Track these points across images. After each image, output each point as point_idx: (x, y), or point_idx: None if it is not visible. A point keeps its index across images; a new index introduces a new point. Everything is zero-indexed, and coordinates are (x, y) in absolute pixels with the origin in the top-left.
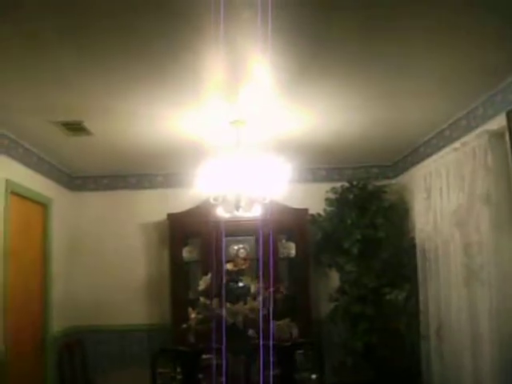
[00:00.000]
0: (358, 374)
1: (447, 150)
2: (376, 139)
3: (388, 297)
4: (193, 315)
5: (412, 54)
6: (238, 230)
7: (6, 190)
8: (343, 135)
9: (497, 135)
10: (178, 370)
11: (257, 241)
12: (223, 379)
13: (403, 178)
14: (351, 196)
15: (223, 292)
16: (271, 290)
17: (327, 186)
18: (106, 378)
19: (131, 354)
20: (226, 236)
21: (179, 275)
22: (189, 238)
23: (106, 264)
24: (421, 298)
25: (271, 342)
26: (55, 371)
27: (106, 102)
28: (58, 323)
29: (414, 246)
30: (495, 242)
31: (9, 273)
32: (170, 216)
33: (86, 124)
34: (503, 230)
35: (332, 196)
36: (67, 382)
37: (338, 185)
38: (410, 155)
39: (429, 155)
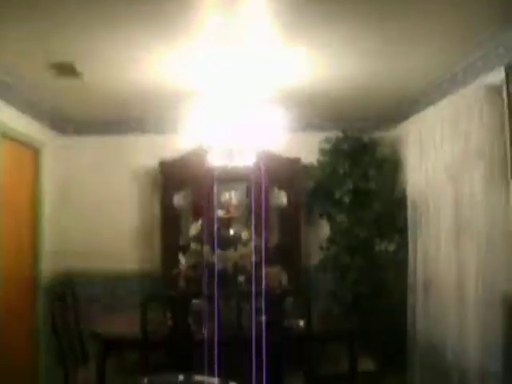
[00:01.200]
0: (345, 323)
1: (443, 103)
2: (372, 90)
3: (378, 248)
4: (183, 261)
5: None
6: (230, 178)
7: None
8: (339, 86)
9: (494, 90)
10: (169, 315)
11: (249, 189)
12: (213, 324)
13: (398, 131)
14: (345, 146)
15: (214, 238)
16: (262, 237)
17: (321, 135)
18: (98, 324)
19: (122, 299)
20: (218, 183)
21: (170, 222)
22: (180, 185)
23: (98, 209)
24: (410, 250)
25: (261, 289)
26: (47, 313)
27: (98, 45)
28: (49, 268)
29: (405, 199)
30: (487, 197)
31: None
32: (162, 162)
33: (78, 66)
34: (495, 186)
35: (326, 146)
36: (58, 324)
37: (332, 135)
38: (405, 108)
39: (424, 108)
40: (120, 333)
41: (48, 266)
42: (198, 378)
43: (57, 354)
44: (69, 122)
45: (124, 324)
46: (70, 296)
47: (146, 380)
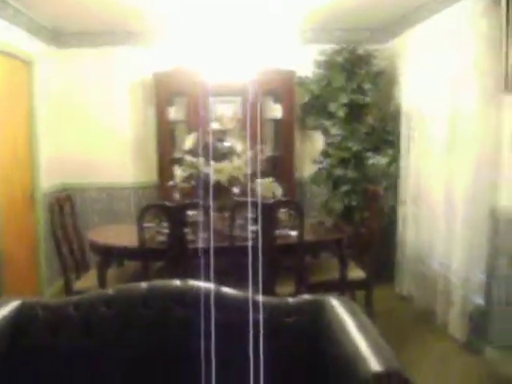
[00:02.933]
0: (335, 233)
1: (442, 15)
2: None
3: (370, 161)
4: (178, 173)
5: None
6: (224, 91)
7: None
8: None
9: (493, 2)
10: (165, 224)
11: (243, 102)
12: (208, 233)
13: (395, 43)
14: (340, 59)
15: (209, 150)
16: (256, 149)
17: (316, 47)
18: (97, 233)
19: (119, 211)
20: (213, 96)
21: (165, 134)
22: (175, 98)
23: (93, 123)
24: (402, 164)
25: (255, 200)
26: (46, 225)
27: None
28: (46, 182)
29: (399, 113)
30: (482, 109)
31: None
32: (156, 74)
33: None
34: (490, 101)
35: (321, 58)
36: (58, 234)
37: (326, 47)
38: (403, 18)
39: (422, 20)
40: (119, 243)
41: (45, 181)
42: (193, 283)
43: (57, 263)
44: (61, 34)
45: (123, 234)
46: (68, 206)
47: (145, 284)
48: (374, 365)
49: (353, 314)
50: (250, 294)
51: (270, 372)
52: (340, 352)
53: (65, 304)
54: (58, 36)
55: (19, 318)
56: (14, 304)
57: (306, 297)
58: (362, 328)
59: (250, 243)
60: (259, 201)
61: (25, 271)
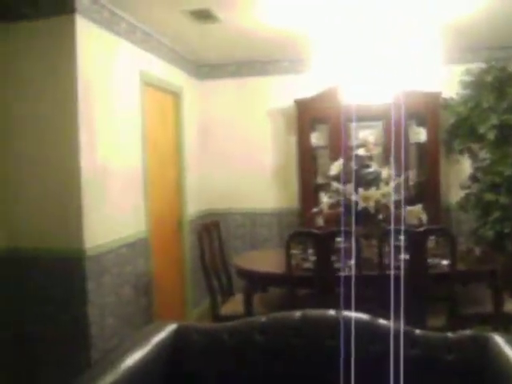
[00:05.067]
0: (487, 263)
1: None
2: None
3: None
4: (325, 199)
5: None
6: (365, 115)
7: (141, 81)
8: (481, 10)
9: None
10: (310, 251)
11: (385, 126)
12: (356, 261)
13: None
14: (489, 78)
15: (354, 177)
16: (403, 175)
17: (461, 67)
18: (242, 257)
19: (261, 236)
20: (355, 121)
21: (307, 161)
22: (316, 124)
23: (236, 150)
24: None
25: (403, 227)
26: (193, 249)
27: None
28: (192, 207)
29: None
30: None
31: (147, 161)
32: (298, 102)
33: (214, 11)
34: None
35: (467, 78)
36: (206, 259)
37: (473, 66)
38: None
39: None
40: (265, 269)
41: (192, 206)
42: (347, 313)
43: (202, 287)
44: (204, 66)
45: (268, 260)
46: (215, 232)
47: (299, 313)
48: None
49: None
50: (401, 326)
51: None
52: None
53: (219, 330)
54: (201, 68)
55: (176, 342)
56: (170, 328)
57: (467, 332)
58: None
59: (398, 272)
60: (407, 228)
61: (172, 294)
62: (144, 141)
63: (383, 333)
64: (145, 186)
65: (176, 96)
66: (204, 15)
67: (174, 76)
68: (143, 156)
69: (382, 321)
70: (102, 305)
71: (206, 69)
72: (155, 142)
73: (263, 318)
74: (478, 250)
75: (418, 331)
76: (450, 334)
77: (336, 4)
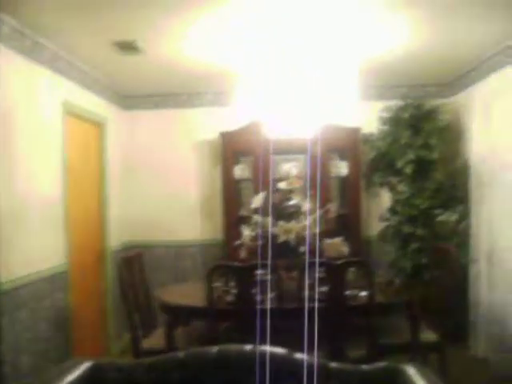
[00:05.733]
0: (406, 294)
1: (509, 69)
2: (434, 55)
3: (439, 218)
4: (246, 232)
5: None
6: (289, 149)
7: (64, 111)
8: (399, 49)
9: None
10: (232, 284)
11: (308, 160)
12: (276, 294)
13: (461, 98)
14: (406, 115)
15: (276, 210)
16: (323, 208)
17: (381, 104)
18: (164, 291)
19: (185, 268)
20: (278, 154)
21: (231, 193)
22: (241, 156)
23: (160, 182)
24: (473, 221)
25: (323, 260)
26: (115, 282)
27: (159, 22)
28: (115, 239)
29: (468, 168)
30: None
31: (68, 192)
32: (223, 134)
33: (139, 43)
34: None
35: (385, 115)
36: (128, 292)
37: (391, 103)
38: (468, 73)
39: (489, 74)
40: (187, 302)
41: (114, 238)
42: (264, 347)
43: (124, 320)
44: (129, 97)
45: (190, 293)
46: (137, 263)
47: (216, 349)
48: None
49: (428, 381)
50: (315, 360)
51: None
52: None
53: (137, 367)
54: (126, 99)
55: (91, 380)
56: (86, 365)
57: (381, 364)
58: None
59: (317, 304)
60: (327, 260)
61: (93, 327)
62: (65, 171)
63: (299, 367)
64: (65, 217)
65: (100, 126)
66: (129, 46)
67: (99, 106)
68: (64, 187)
69: (298, 355)
70: (17, 342)
71: (131, 100)
72: (77, 172)
73: (181, 354)
74: (397, 281)
75: (333, 364)
76: (364, 367)
77: (258, 40)
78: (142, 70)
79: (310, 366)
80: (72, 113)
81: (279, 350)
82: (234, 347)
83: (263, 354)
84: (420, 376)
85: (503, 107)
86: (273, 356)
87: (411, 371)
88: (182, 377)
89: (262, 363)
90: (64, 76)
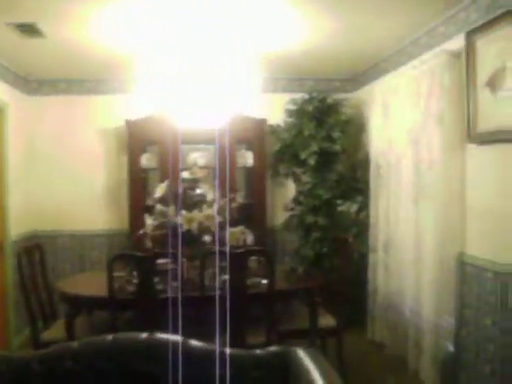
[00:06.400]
0: (307, 281)
1: (406, 67)
2: (338, 50)
3: (340, 208)
4: (149, 221)
5: None
6: (197, 139)
7: None
8: (303, 43)
9: (455, 55)
10: (134, 273)
11: (216, 150)
12: (178, 283)
13: (362, 93)
14: (310, 108)
15: (179, 199)
16: (227, 198)
17: (287, 96)
18: (66, 283)
19: (91, 259)
20: (185, 144)
21: (137, 182)
22: (147, 145)
23: (65, 170)
24: (371, 211)
25: (225, 249)
26: (14, 274)
27: (60, 4)
28: (16, 229)
29: (368, 161)
30: (445, 161)
31: None
32: (129, 122)
33: (40, 26)
34: (453, 150)
35: (292, 107)
36: (27, 284)
37: (298, 96)
38: (370, 70)
39: (388, 71)
40: (88, 293)
41: (15, 228)
42: (161, 335)
43: (26, 314)
44: (33, 81)
45: (92, 283)
46: (37, 254)
47: (110, 337)
48: None
49: (319, 366)
50: (217, 346)
51: None
52: None
53: (29, 358)
54: (30, 83)
55: None
56: None
57: (273, 349)
58: (325, 378)
59: (219, 293)
60: (229, 249)
61: None
62: None
63: (196, 354)
64: None
65: (0, 111)
66: (30, 29)
67: None
68: None
69: (194, 342)
70: None
71: (34, 84)
72: None
73: (75, 344)
74: (300, 269)
75: (229, 350)
76: (258, 351)
77: (161, 28)
78: (46, 54)
79: (208, 353)
80: None
81: (174, 338)
82: (129, 335)
83: (160, 342)
84: (309, 358)
85: (398, 104)
86: (168, 343)
87: (301, 354)
88: (75, 366)
89: (160, 351)
90: None
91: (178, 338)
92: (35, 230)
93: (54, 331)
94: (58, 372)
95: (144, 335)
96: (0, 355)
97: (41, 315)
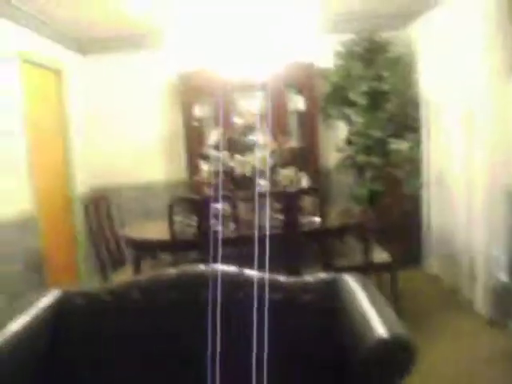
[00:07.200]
0: (361, 217)
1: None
2: None
3: (393, 147)
4: (204, 167)
5: None
6: (247, 86)
7: (20, 59)
8: None
9: None
10: (194, 218)
11: (266, 96)
12: (234, 224)
13: (411, 29)
14: (358, 48)
15: (232, 145)
16: (279, 141)
17: (335, 37)
18: (131, 228)
19: (153, 208)
20: (236, 91)
21: (192, 132)
22: (200, 96)
23: (123, 125)
24: (424, 148)
25: (278, 190)
26: (82, 223)
27: None
28: (82, 184)
29: (419, 99)
30: (494, 91)
31: (29, 141)
32: (180, 75)
33: None
34: (501, 78)
35: (341, 49)
36: (94, 232)
37: (345, 37)
38: (417, 3)
39: (436, 5)
40: (152, 237)
41: (82, 183)
42: (217, 266)
43: (95, 261)
44: (86, 42)
45: (156, 229)
46: (103, 205)
47: (174, 270)
48: (381, 332)
49: (365, 288)
50: (266, 274)
51: (287, 348)
52: (352, 322)
53: (101, 291)
54: (83, 44)
55: (60, 306)
56: (54, 293)
57: (323, 275)
58: (372, 300)
59: (274, 231)
60: (282, 190)
61: (65, 269)
62: (25, 120)
63: (249, 281)
64: (29, 165)
65: (58, 73)
66: None
67: (55, 53)
68: (26, 135)
69: (248, 271)
70: None
71: (87, 44)
72: (38, 120)
73: (142, 277)
74: (355, 208)
75: (281, 278)
76: (307, 278)
77: None
78: (97, 12)
79: (260, 281)
80: (29, 61)
81: (230, 268)
82: (190, 268)
83: (216, 272)
84: (356, 282)
85: (445, 39)
86: (226, 273)
87: (348, 279)
88: (143, 298)
89: (216, 281)
90: (19, 24)
91: (233, 268)
92: (99, 185)
93: (123, 275)
94: (128, 303)
95: (204, 267)
96: (76, 290)
97: (109, 262)
